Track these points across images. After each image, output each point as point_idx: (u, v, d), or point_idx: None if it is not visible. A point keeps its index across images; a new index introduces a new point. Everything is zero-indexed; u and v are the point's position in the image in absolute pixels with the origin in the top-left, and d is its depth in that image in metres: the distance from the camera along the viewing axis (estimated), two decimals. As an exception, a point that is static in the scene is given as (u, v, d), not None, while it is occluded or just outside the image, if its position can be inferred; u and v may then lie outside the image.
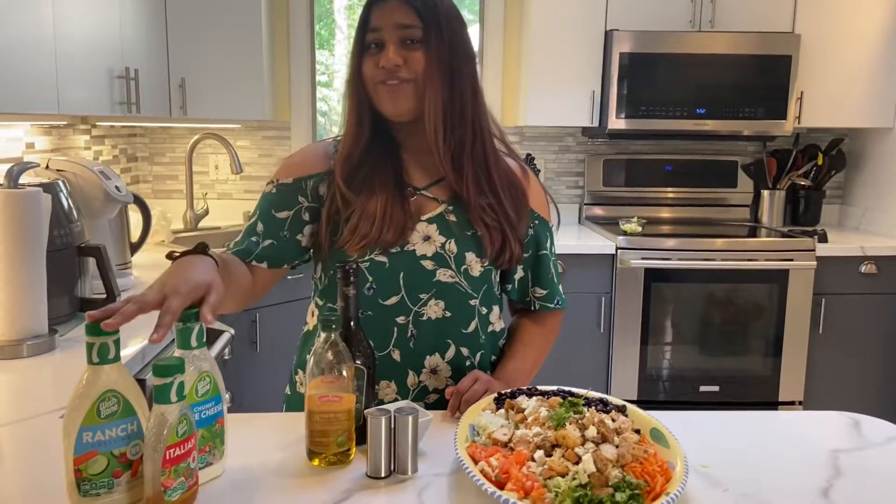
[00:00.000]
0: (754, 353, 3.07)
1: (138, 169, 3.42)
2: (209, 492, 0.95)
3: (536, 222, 1.32)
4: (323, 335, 1.01)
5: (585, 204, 3.57)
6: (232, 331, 2.06)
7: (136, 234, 2.40)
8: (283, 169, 1.29)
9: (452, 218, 1.24)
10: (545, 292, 1.35)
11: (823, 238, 3.09)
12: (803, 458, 1.06)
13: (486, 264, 1.25)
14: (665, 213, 3.56)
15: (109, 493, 0.88)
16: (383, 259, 1.21)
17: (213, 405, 0.97)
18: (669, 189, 3.56)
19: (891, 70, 3.22)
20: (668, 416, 1.14)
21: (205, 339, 0.96)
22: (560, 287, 1.37)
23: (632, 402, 1.07)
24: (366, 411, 1.00)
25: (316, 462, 1.01)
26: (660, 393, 3.06)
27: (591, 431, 0.93)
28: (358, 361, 1.06)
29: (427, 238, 1.23)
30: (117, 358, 0.88)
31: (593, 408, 1.05)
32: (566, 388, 1.13)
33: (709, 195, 3.57)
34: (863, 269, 3.04)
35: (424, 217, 1.24)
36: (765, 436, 1.15)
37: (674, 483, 0.87)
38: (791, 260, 2.99)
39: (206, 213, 3.17)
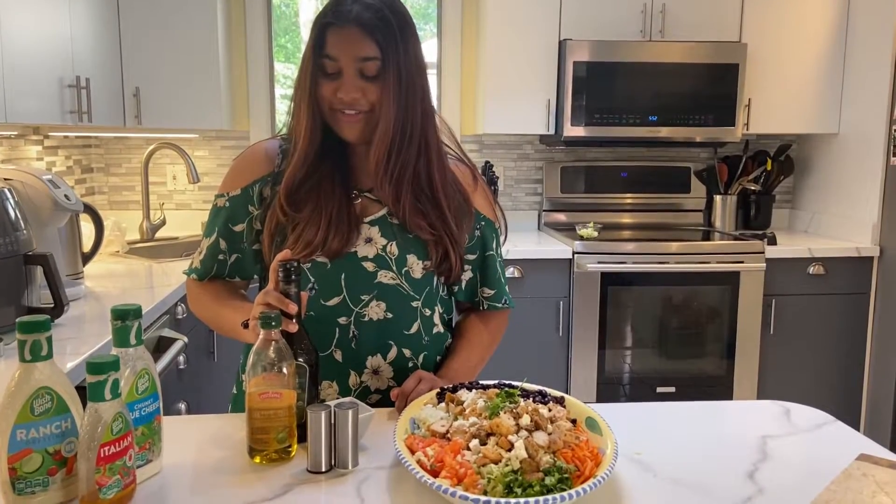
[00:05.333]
0: (709, 355, 3.14)
1: (94, 180, 3.38)
2: (148, 489, 0.95)
3: (483, 223, 1.34)
4: (263, 333, 1.02)
5: (544, 210, 3.62)
6: (185, 339, 2.05)
7: (88, 244, 2.38)
8: (230, 180, 1.29)
9: (394, 220, 1.26)
10: (493, 292, 1.37)
11: (773, 241, 3.17)
12: (733, 444, 1.10)
13: (428, 268, 1.27)
14: (622, 219, 3.63)
15: (45, 490, 0.88)
16: (324, 260, 1.22)
17: (152, 402, 0.97)
18: (627, 195, 3.63)
19: (835, 77, 3.34)
20: (607, 408, 1.17)
21: (142, 338, 0.96)
22: (507, 287, 1.40)
23: (590, 404, 1.09)
24: (308, 406, 1.01)
25: (257, 459, 1.02)
26: (620, 396, 3.11)
27: (525, 420, 0.95)
28: (300, 359, 1.08)
29: (369, 240, 1.24)
30: (49, 355, 0.88)
31: (531, 399, 1.07)
32: (506, 382, 1.15)
33: (664, 200, 3.65)
34: (811, 270, 3.13)
35: (367, 219, 1.26)
36: (699, 424, 1.18)
37: (602, 466, 0.90)
38: (742, 262, 3.06)
39: (163, 223, 3.15)
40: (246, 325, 1.12)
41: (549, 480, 0.85)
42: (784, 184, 3.69)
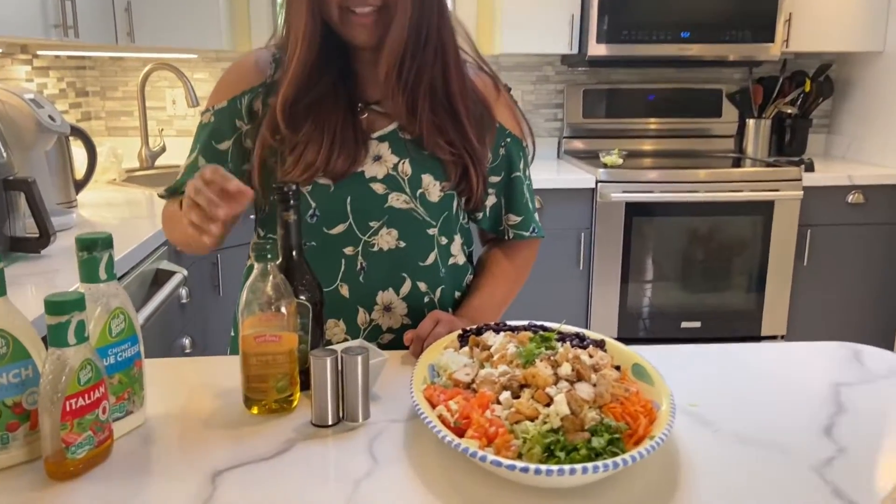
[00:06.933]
0: (737, 288, 2.99)
1: (89, 104, 3.20)
2: (128, 445, 0.82)
3: (508, 140, 1.18)
4: (258, 267, 0.87)
5: (564, 137, 3.42)
6: (185, 272, 1.92)
7: (82, 171, 2.24)
8: (216, 93, 1.14)
9: (406, 136, 1.10)
10: (519, 219, 1.21)
11: (810, 167, 2.97)
12: (802, 394, 0.95)
13: (446, 189, 1.12)
14: (646, 146, 3.43)
15: (5, 448, 0.76)
16: (327, 182, 1.06)
17: (130, 346, 0.84)
18: (652, 120, 3.42)
19: (884, -11, 3.06)
20: (650, 350, 1.03)
21: (115, 271, 0.82)
22: (536, 214, 1.24)
23: (633, 346, 0.95)
24: (311, 351, 0.87)
25: (255, 410, 0.89)
26: (640, 330, 2.98)
27: (565, 369, 0.81)
28: (301, 297, 0.93)
29: (378, 158, 1.08)
30: (2, 291, 0.74)
31: (568, 343, 0.93)
32: (538, 323, 1.01)
33: (692, 125, 3.43)
34: (850, 198, 2.94)
35: (375, 134, 1.09)
36: (759, 369, 1.04)
37: (659, 425, 0.76)
38: (777, 190, 2.88)
39: (163, 150, 2.98)
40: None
41: (596, 442, 0.71)
42: (820, 108, 3.45)
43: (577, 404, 0.75)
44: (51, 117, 1.88)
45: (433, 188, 1.10)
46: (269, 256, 0.87)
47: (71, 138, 2.21)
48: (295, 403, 0.90)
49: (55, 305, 0.72)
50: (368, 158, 1.07)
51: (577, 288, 2.96)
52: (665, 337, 2.98)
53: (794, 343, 1.13)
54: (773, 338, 3.02)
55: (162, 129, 3.16)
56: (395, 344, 1.11)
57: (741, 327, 3.01)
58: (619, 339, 0.97)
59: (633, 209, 2.88)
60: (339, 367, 0.85)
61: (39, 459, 0.77)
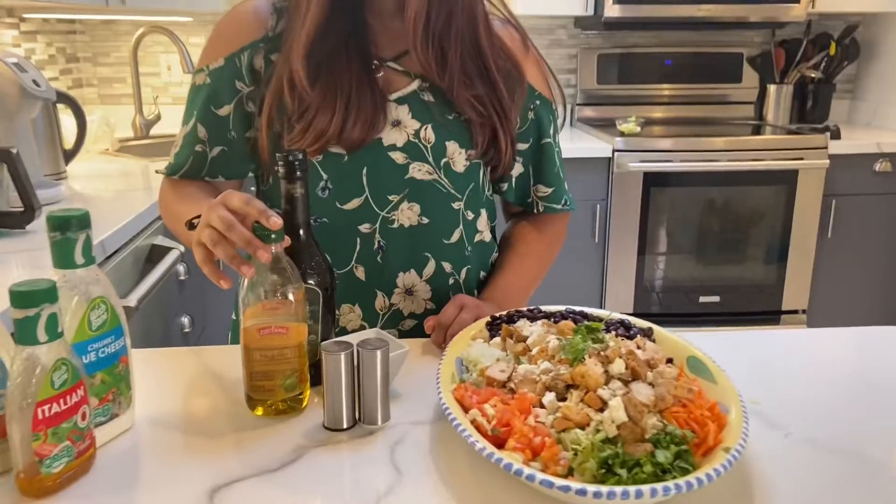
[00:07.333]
0: (757, 261, 2.87)
1: (80, 71, 3.06)
2: (113, 452, 0.72)
3: (538, 102, 1.05)
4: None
5: (578, 104, 3.28)
6: (182, 248, 1.80)
7: (72, 141, 2.11)
8: (210, 50, 1.00)
9: (429, 97, 0.97)
10: (550, 191, 1.10)
11: (836, 134, 2.84)
12: (879, 389, 0.84)
13: (472, 158, 1.00)
14: (662, 114, 3.28)
15: (-31, 463, 0.65)
16: (340, 151, 0.94)
17: (113, 340, 0.73)
18: (667, 86, 3.26)
19: (916, -54, 2.90)
20: (696, 337, 0.92)
21: (93, 255, 0.70)
22: (566, 185, 1.12)
23: (678, 331, 0.84)
24: (322, 344, 0.76)
25: (259, 411, 0.78)
26: (653, 305, 2.87)
27: (618, 366, 0.70)
28: (310, 281, 0.82)
29: (397, 123, 0.96)
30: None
31: (613, 333, 0.82)
32: (576, 308, 0.89)
33: (710, 92, 3.28)
34: (877, 167, 2.80)
35: (393, 96, 0.97)
36: (823, 358, 0.93)
37: (730, 432, 0.65)
38: (801, 159, 2.74)
39: (159, 118, 2.85)
40: (191, 226, 0.84)
41: (661, 456, 0.61)
42: (845, 72, 3.30)
43: (636, 410, 0.64)
44: (35, 82, 1.75)
45: (458, 157, 0.98)
46: (272, 236, 0.75)
47: (60, 106, 2.09)
48: (304, 402, 0.80)
49: (21, 296, 0.61)
50: (387, 124, 0.95)
51: (592, 262, 2.84)
52: (682, 312, 2.88)
53: (867, 328, 1.02)
54: (793, 312, 2.91)
55: (157, 97, 3.02)
56: (419, 331, 1.00)
57: (761, 301, 2.90)
58: (634, 315, 0.86)
59: (651, 179, 2.75)
60: (356, 363, 0.74)
61: (10, 473, 0.66)
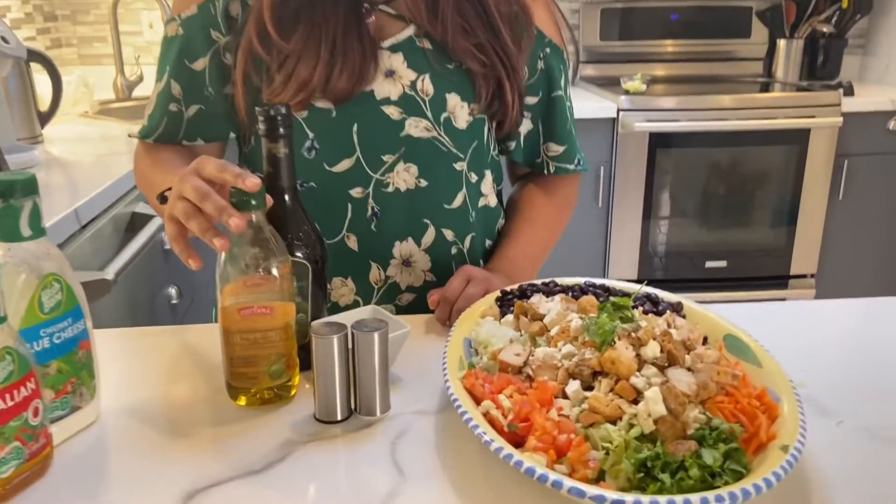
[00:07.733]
0: (766, 224, 2.78)
1: (59, 30, 2.91)
2: (74, 451, 0.63)
3: (547, 50, 0.95)
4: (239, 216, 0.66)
5: (580, 62, 3.14)
6: (166, 215, 1.70)
7: (47, 103, 1.99)
8: None
9: (427, 45, 0.87)
10: (561, 150, 1.00)
11: (849, 91, 2.72)
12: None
13: (475, 112, 0.89)
14: (664, 71, 3.15)
15: None
16: (327, 106, 0.84)
17: (71, 323, 0.63)
18: (671, 42, 3.13)
19: None
20: (723, 309, 0.82)
21: (43, 225, 0.60)
22: (578, 143, 1.02)
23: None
24: (312, 325, 0.67)
25: (242, 401, 0.69)
26: (657, 270, 2.79)
27: (652, 350, 0.61)
28: (298, 253, 0.73)
29: (390, 73, 0.86)
30: None
31: (640, 309, 0.73)
32: (596, 281, 0.80)
33: (717, 48, 3.15)
34: (891, 125, 2.69)
35: (386, 43, 0.86)
36: (867, 333, 0.84)
37: (783, 425, 0.56)
38: (813, 117, 2.63)
39: (141, 79, 2.71)
40: (163, 199, 0.74)
41: (709, 456, 0.52)
42: (857, 26, 3.17)
43: (676, 401, 0.55)
44: (3, 38, 1.62)
45: (460, 111, 0.88)
46: (253, 203, 0.66)
47: (35, 66, 1.97)
48: (293, 391, 0.71)
49: (-49, 277, 0.51)
50: (379, 74, 0.85)
51: (596, 226, 2.75)
52: (688, 278, 2.79)
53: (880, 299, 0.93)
54: (802, 277, 2.83)
55: (139, 57, 2.88)
56: (417, 305, 0.91)
57: (768, 266, 2.82)
58: (639, 281, 0.76)
59: (658, 140, 2.64)
60: (351, 347, 0.65)
61: (-47, 479, 0.57)
